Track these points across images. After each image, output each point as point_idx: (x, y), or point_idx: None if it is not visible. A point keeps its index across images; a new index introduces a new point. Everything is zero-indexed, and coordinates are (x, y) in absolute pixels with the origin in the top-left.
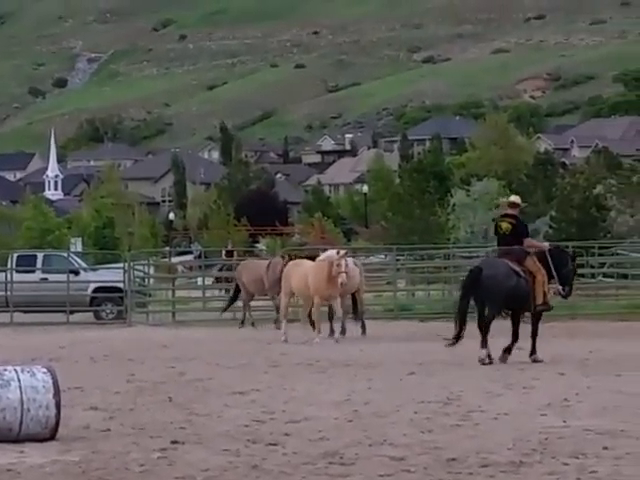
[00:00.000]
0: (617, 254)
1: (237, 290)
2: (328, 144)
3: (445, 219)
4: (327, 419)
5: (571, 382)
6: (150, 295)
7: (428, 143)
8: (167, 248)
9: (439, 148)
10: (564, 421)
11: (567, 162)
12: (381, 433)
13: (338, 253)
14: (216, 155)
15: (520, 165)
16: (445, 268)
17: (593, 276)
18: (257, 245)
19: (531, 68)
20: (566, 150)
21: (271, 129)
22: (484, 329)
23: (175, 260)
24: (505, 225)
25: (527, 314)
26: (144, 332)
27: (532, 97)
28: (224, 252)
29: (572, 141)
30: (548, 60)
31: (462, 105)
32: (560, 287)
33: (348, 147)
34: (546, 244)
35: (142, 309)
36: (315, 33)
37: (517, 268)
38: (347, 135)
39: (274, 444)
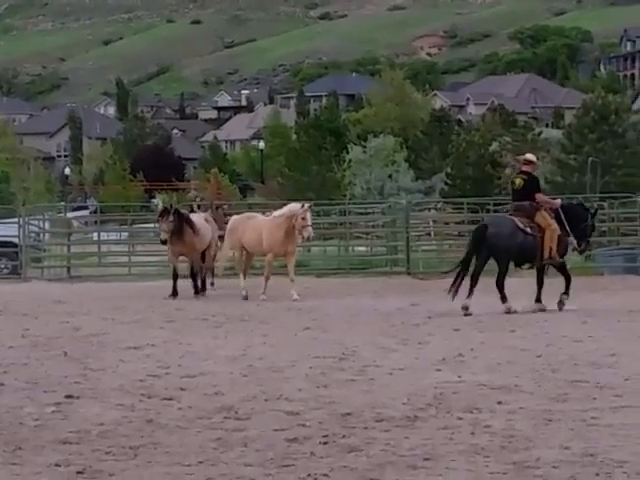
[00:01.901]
0: None
1: None
2: (224, 100)
3: (341, 175)
4: (223, 374)
5: (466, 338)
6: (45, 250)
7: (324, 100)
8: (62, 203)
9: (335, 105)
10: (459, 376)
11: (463, 119)
12: (276, 388)
13: (303, 207)
14: (112, 110)
15: (416, 122)
16: (341, 224)
17: None
18: (153, 200)
19: (427, 25)
20: (462, 107)
21: (167, 85)
22: (500, 286)
23: (70, 215)
24: (518, 181)
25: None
26: (39, 287)
27: (428, 54)
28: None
29: (468, 98)
30: (444, 17)
31: (358, 62)
32: (575, 242)
33: (244, 103)
34: (558, 201)
35: (37, 264)
36: None
37: (523, 224)
38: (243, 91)
39: (169, 399)
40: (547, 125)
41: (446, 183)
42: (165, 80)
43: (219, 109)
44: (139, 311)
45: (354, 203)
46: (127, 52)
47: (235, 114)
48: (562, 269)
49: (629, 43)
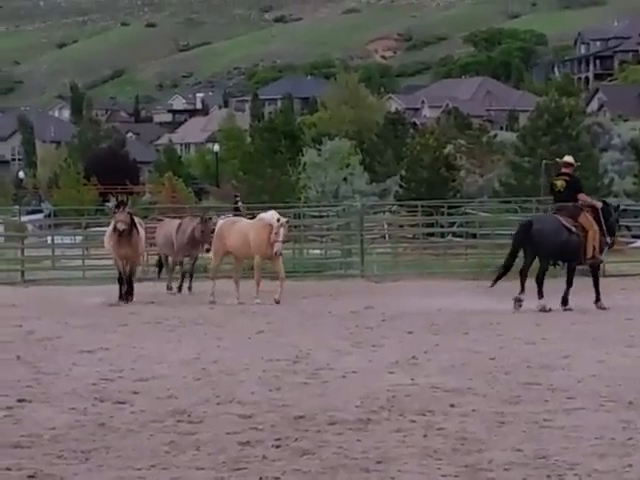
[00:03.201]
0: (466, 213)
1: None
2: (179, 103)
3: (296, 178)
4: (176, 377)
5: (420, 340)
6: None
7: (279, 103)
8: (17, 207)
9: (290, 108)
10: (412, 379)
11: (418, 122)
12: (229, 391)
13: (278, 221)
14: (67, 114)
15: (371, 125)
16: (295, 227)
17: (443, 235)
18: (107, 204)
19: (382, 28)
20: (417, 110)
21: (122, 88)
22: (539, 281)
23: (25, 219)
24: (560, 182)
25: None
26: None
27: (383, 57)
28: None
29: (423, 101)
30: (399, 20)
31: (313, 65)
32: (607, 238)
33: (199, 106)
34: (599, 203)
35: None
36: None
37: (568, 224)
38: (198, 94)
39: (122, 402)
40: (502, 128)
41: (401, 186)
42: (120, 83)
43: (174, 112)
44: (93, 315)
45: (309, 206)
46: (82, 55)
47: (190, 117)
48: (595, 269)
49: (583, 46)
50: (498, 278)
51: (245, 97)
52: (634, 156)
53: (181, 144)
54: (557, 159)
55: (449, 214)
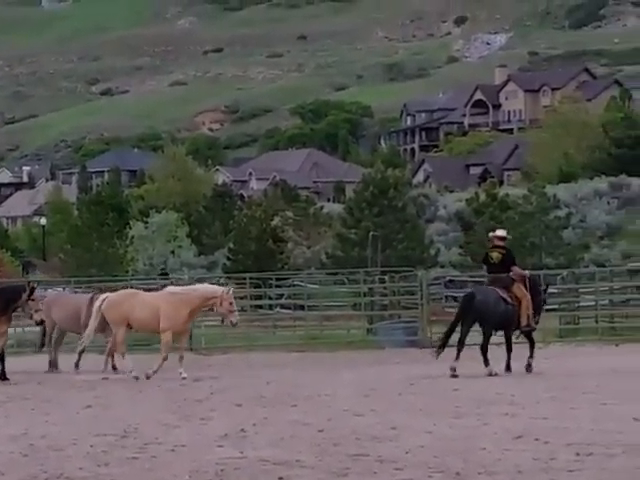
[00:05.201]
0: (294, 285)
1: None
2: (5, 176)
3: (124, 251)
4: (3, 453)
5: (248, 413)
6: None
7: (107, 175)
8: None
9: (117, 180)
10: (241, 452)
11: (245, 194)
12: (57, 467)
13: (228, 292)
14: None
15: (198, 197)
16: None
17: (271, 307)
18: None
19: (209, 101)
20: (244, 182)
21: None
22: (484, 350)
23: None
24: (496, 255)
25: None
26: None
27: (210, 129)
28: None
29: (250, 173)
30: (226, 93)
31: (140, 137)
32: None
33: (26, 179)
34: (527, 272)
35: None
36: None
37: (505, 295)
38: (25, 167)
39: None
40: (329, 200)
41: (228, 258)
42: None
43: (0, 186)
44: None
45: (137, 279)
46: None
47: (16, 190)
48: (530, 335)
49: (409, 118)
50: (441, 347)
51: (72, 170)
52: (460, 227)
53: (7, 217)
54: (490, 233)
55: (277, 286)
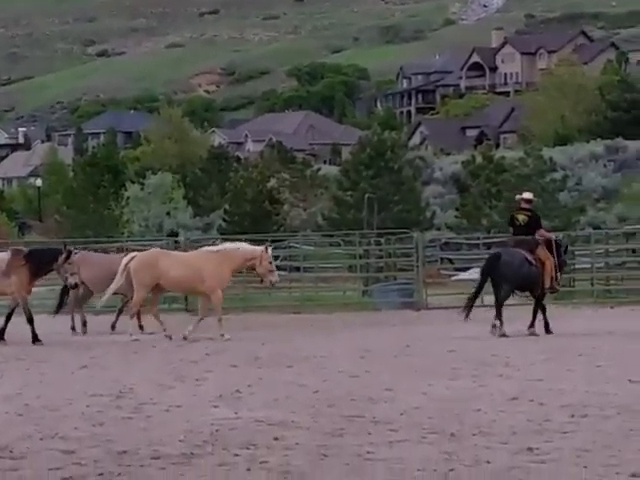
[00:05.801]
0: (290, 247)
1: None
2: (1, 138)
3: (120, 213)
4: None
5: (243, 374)
6: None
7: (103, 137)
8: None
9: (113, 142)
10: (235, 412)
11: (241, 156)
12: (52, 427)
13: (266, 250)
14: None
15: (195, 159)
16: None
17: None
18: None
19: (205, 63)
20: (240, 144)
21: None
22: (498, 307)
23: None
24: (522, 217)
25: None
26: None
27: (207, 91)
28: None
29: (246, 135)
30: (222, 55)
31: (137, 99)
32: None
33: (22, 140)
34: (552, 235)
35: None
36: None
37: (529, 257)
38: (20, 129)
39: None
40: (325, 162)
41: (224, 220)
42: None
43: None
44: None
45: (132, 240)
46: None
47: (12, 152)
48: (542, 299)
49: (405, 80)
50: (469, 308)
51: (68, 131)
52: (456, 189)
53: (3, 179)
54: (517, 195)
55: (273, 248)
